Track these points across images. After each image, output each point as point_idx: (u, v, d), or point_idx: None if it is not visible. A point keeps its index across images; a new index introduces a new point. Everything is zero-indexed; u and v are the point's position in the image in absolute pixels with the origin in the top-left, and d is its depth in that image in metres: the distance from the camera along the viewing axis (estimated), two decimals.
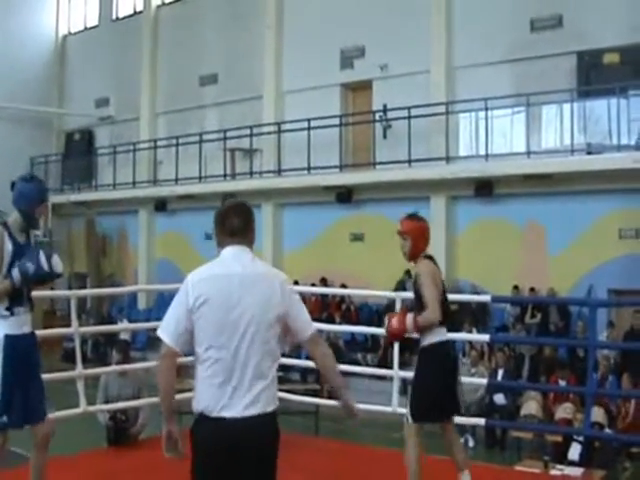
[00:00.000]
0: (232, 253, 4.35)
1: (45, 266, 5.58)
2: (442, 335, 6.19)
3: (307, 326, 4.49)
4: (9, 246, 5.58)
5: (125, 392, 9.10)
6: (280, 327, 4.30)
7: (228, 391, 4.13)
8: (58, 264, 5.72)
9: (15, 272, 5.51)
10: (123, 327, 15.09)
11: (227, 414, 4.12)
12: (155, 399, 10.51)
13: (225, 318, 4.14)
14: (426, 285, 6.13)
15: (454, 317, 18.05)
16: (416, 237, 6.42)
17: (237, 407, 4.13)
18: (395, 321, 6.24)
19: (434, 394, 6.09)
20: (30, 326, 5.74)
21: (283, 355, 11.16)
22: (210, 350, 4.14)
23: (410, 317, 6.15)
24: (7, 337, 5.54)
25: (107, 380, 9.24)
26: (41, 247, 6.00)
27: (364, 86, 22.41)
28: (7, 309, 5.56)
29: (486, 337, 10.10)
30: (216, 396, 4.12)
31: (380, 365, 16.94)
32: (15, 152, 28.78)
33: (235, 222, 4.42)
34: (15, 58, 29.80)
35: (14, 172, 27.38)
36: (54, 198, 29.18)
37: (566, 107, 18.10)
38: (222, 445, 4.11)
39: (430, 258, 6.42)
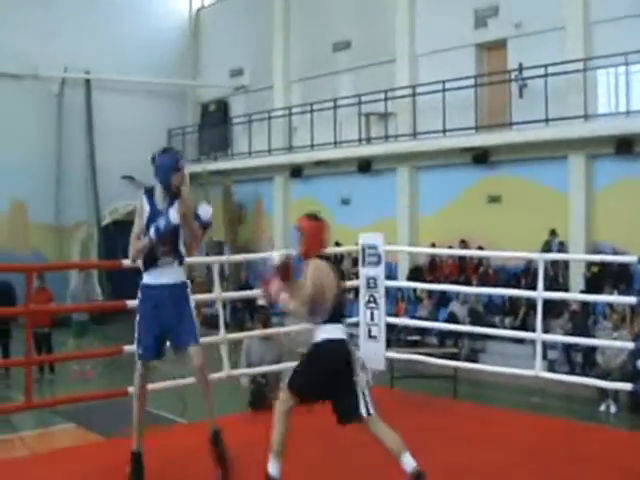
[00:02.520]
0: None
1: (174, 219, 6.19)
2: (333, 333, 5.95)
3: None
4: (147, 208, 6.34)
5: (267, 357, 9.23)
6: None
7: None
8: (207, 213, 6.51)
9: (151, 230, 6.22)
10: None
11: None
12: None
13: None
14: (307, 285, 5.90)
15: (598, 279, 17.78)
16: (310, 235, 6.15)
17: None
18: (274, 287, 6.03)
19: (310, 388, 5.96)
20: (173, 277, 6.42)
21: (419, 318, 10.99)
22: None
23: (284, 295, 5.98)
24: (143, 286, 6.42)
25: (250, 345, 9.38)
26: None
27: (499, 45, 21.99)
28: (145, 263, 6.37)
29: (632, 299, 9.74)
30: None
31: (518, 328, 16.71)
32: (153, 124, 29.59)
33: None
34: (151, 34, 30.57)
35: (153, 144, 28.11)
36: (191, 168, 29.80)
37: None
38: None
39: (325, 258, 6.14)
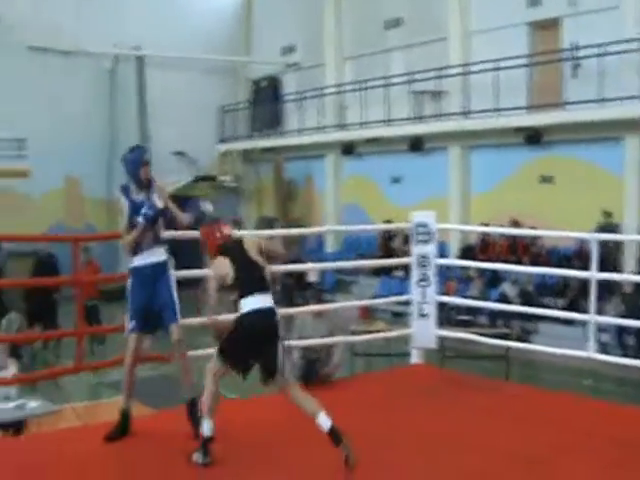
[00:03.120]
0: None
1: (159, 204, 7.10)
2: (256, 304, 6.37)
3: None
4: (127, 204, 7.10)
5: (318, 333, 9.22)
6: None
7: None
8: (208, 207, 7.12)
9: (139, 218, 7.00)
10: (312, 267, 15.18)
11: None
12: (348, 339, 10.67)
13: None
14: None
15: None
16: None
17: None
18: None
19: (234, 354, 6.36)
20: (157, 256, 7.20)
21: (470, 298, 10.86)
22: None
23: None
24: (133, 268, 7.18)
25: (304, 321, 9.38)
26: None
27: (552, 24, 21.66)
28: (132, 250, 7.15)
29: None
30: None
31: (567, 310, 16.55)
32: (205, 101, 29.76)
33: None
34: (204, 10, 30.68)
35: (205, 120, 28.74)
36: (243, 144, 29.98)
37: None
38: None
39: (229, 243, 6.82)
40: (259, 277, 6.51)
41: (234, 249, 6.65)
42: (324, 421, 6.02)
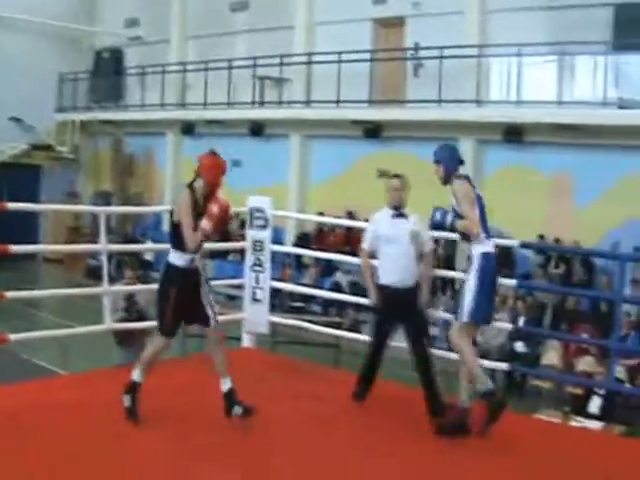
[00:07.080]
0: None
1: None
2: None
3: None
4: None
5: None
6: None
7: None
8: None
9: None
10: (150, 247, 15.03)
11: None
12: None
13: None
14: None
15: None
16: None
17: None
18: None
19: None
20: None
21: (306, 285, 10.85)
22: None
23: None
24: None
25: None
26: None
27: (396, 22, 22.14)
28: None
29: (513, 282, 9.89)
30: None
31: None
32: (44, 67, 28.75)
33: None
34: None
35: (44, 88, 27.70)
36: (81, 115, 29.25)
37: (600, 60, 17.86)
38: None
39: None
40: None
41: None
42: (227, 384, 6.62)
